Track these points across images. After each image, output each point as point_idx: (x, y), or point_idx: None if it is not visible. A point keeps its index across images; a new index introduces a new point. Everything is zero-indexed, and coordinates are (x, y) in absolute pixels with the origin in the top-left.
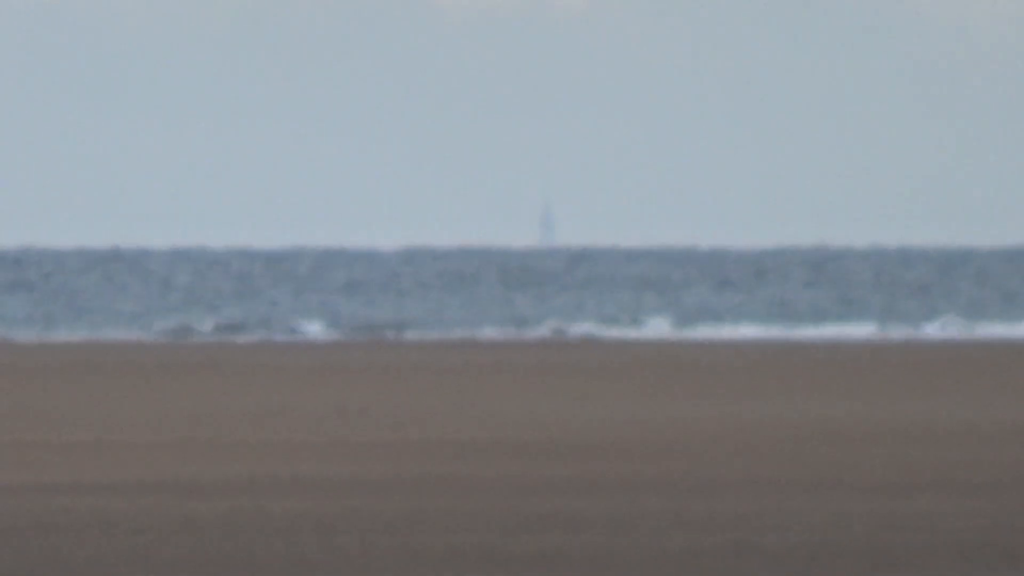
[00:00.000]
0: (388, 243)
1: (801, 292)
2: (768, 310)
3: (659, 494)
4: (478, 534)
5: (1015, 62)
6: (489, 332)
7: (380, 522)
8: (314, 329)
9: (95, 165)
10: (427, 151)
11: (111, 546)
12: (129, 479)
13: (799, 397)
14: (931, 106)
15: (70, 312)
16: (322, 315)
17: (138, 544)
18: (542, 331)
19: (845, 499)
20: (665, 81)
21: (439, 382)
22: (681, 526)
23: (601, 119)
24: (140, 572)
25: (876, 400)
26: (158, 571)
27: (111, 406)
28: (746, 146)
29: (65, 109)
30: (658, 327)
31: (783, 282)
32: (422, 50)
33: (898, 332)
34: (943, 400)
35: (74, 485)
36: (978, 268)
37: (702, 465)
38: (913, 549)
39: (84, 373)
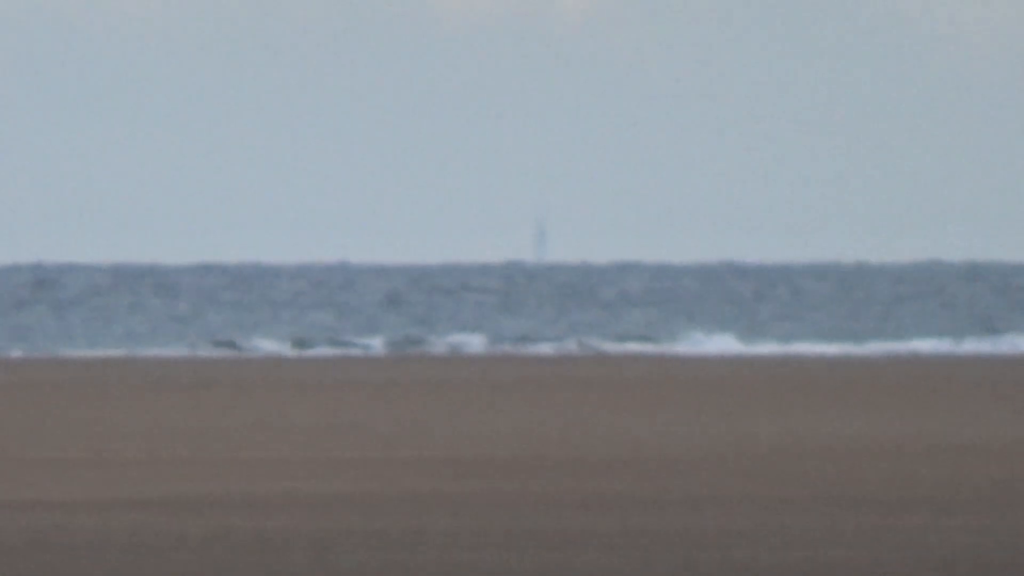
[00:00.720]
0: (386, 258)
1: (821, 308)
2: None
3: (652, 511)
4: (474, 551)
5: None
6: (546, 348)
7: (375, 539)
8: (375, 344)
9: (106, 180)
10: (419, 163)
11: (104, 563)
12: (123, 496)
13: (791, 414)
14: (934, 118)
15: (98, 326)
16: (380, 331)
17: (131, 561)
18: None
19: (836, 516)
20: (663, 93)
21: (438, 398)
22: (674, 543)
23: (596, 133)
24: None
25: (868, 417)
26: None
27: (109, 423)
28: (745, 159)
29: (75, 125)
30: (725, 343)
31: (802, 297)
32: (417, 59)
33: (901, 348)
34: (934, 417)
35: (68, 502)
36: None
37: (695, 482)
38: (903, 565)
39: (89, 390)
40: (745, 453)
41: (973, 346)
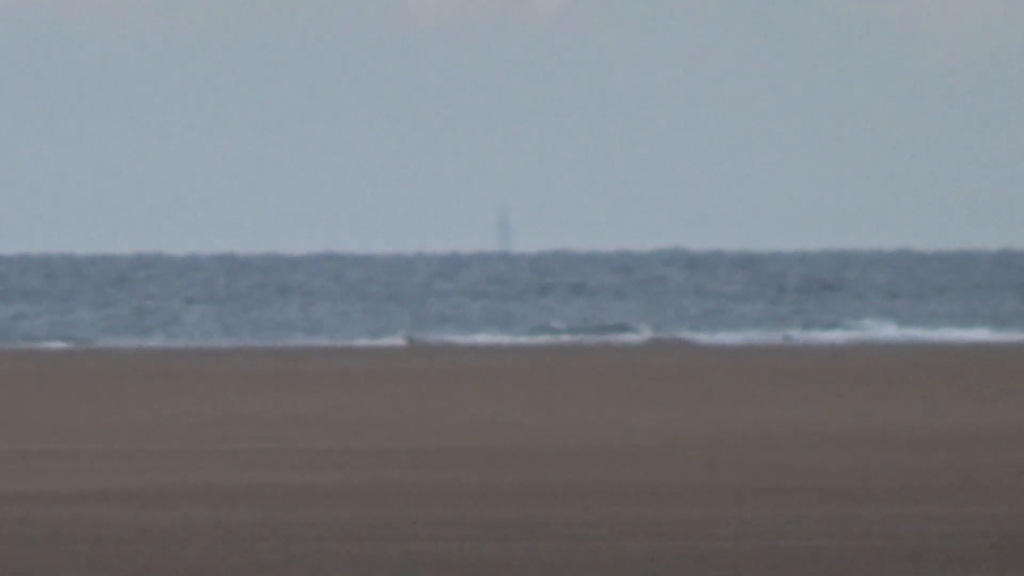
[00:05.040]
0: (366, 248)
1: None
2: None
3: (615, 501)
4: (436, 542)
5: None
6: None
7: (338, 530)
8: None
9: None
10: (386, 156)
11: (68, 556)
12: (86, 488)
13: (756, 403)
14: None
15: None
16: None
17: (95, 554)
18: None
19: (801, 505)
20: (632, 88)
21: (400, 389)
22: (638, 533)
23: (561, 128)
24: None
25: (834, 405)
26: None
27: (72, 415)
28: (713, 152)
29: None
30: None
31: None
32: (388, 55)
33: (869, 336)
34: (901, 405)
35: (32, 495)
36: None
37: (658, 472)
38: (869, 555)
39: (51, 381)
40: (707, 443)
41: (952, 335)
